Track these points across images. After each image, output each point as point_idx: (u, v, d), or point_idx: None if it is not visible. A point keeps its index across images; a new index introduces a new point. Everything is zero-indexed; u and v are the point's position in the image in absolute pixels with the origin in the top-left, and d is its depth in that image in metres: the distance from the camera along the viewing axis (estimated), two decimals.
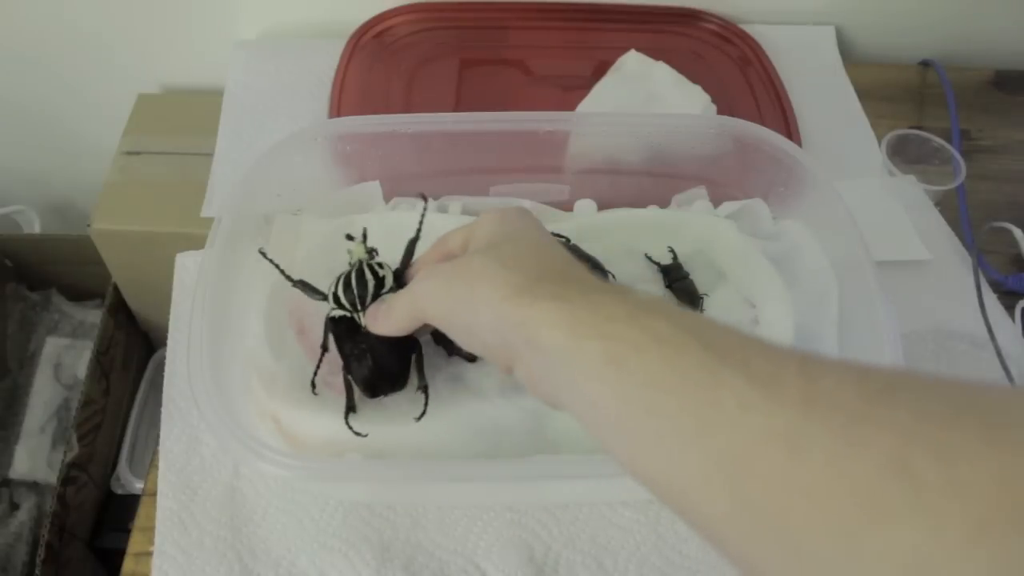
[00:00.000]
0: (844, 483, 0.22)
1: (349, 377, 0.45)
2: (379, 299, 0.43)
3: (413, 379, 0.45)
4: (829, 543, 0.22)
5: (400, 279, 0.45)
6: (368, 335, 0.43)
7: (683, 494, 0.27)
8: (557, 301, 0.32)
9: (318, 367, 0.46)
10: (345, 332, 0.45)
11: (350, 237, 0.46)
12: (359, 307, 0.44)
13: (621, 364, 0.29)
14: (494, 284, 0.34)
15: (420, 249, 0.46)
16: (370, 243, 0.47)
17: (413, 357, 0.45)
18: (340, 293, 0.44)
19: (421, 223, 0.47)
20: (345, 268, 0.45)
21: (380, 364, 0.43)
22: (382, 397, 0.45)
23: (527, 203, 0.56)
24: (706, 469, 0.26)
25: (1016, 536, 0.19)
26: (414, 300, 0.40)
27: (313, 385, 0.46)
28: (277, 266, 0.48)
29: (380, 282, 0.44)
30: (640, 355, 0.28)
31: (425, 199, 0.50)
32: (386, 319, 0.42)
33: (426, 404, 0.44)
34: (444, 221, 0.54)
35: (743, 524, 0.25)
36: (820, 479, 0.22)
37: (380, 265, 0.45)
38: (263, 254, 0.48)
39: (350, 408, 0.44)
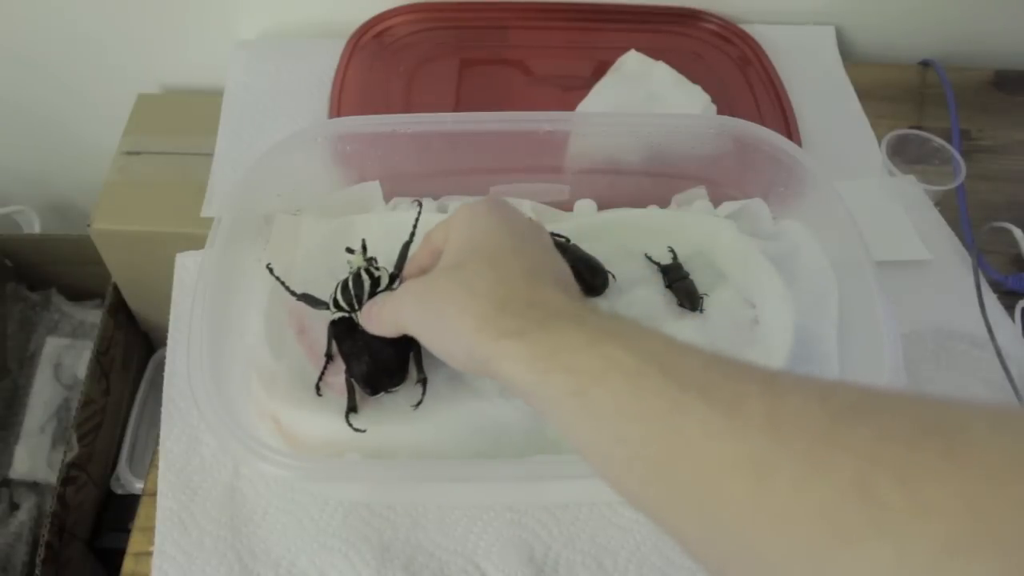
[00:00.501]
0: (810, 506, 0.22)
1: (351, 379, 0.45)
2: (373, 299, 0.44)
3: (412, 374, 0.46)
4: (798, 566, 0.22)
5: (395, 280, 0.46)
6: (366, 333, 0.44)
7: (657, 514, 0.28)
8: (518, 338, 0.32)
9: (322, 373, 0.47)
10: (344, 331, 0.46)
11: (350, 250, 0.48)
12: (356, 307, 0.45)
13: (584, 396, 0.29)
14: (462, 314, 0.34)
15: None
16: (370, 244, 0.48)
17: (411, 354, 0.46)
18: (338, 296, 0.46)
19: (415, 227, 0.48)
20: (345, 275, 0.47)
21: (378, 360, 0.44)
22: (382, 396, 0.45)
23: (527, 203, 0.56)
24: (676, 494, 0.26)
25: (982, 556, 0.19)
26: (396, 313, 0.40)
27: (317, 388, 0.46)
28: (282, 283, 0.49)
29: (376, 282, 0.45)
30: (602, 386, 0.29)
31: (420, 204, 0.50)
32: (377, 322, 0.43)
33: (423, 393, 0.45)
34: None
35: (715, 545, 0.25)
36: (786, 503, 0.22)
37: (376, 268, 0.46)
38: (270, 270, 0.49)
39: (351, 409, 0.45)
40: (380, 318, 0.42)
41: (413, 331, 0.39)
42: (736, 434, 0.24)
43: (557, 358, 0.30)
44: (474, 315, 0.34)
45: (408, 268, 0.46)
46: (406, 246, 0.48)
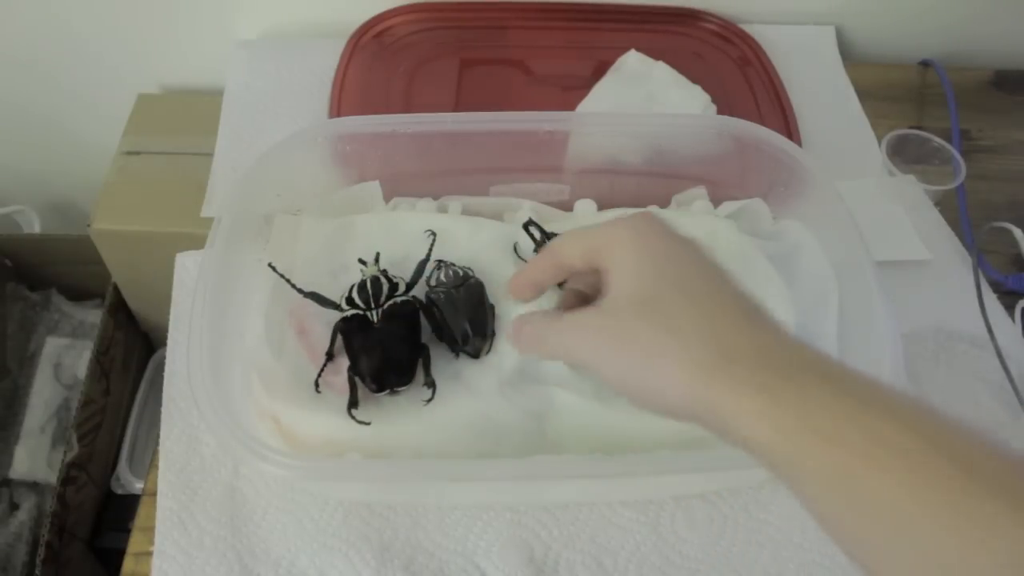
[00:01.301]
0: None
1: (355, 377, 0.45)
2: (520, 318, 0.39)
3: (418, 377, 0.46)
4: None
5: (410, 289, 0.48)
6: (380, 329, 0.46)
7: None
8: (760, 392, 0.28)
9: (322, 369, 0.47)
10: (356, 328, 0.47)
11: (363, 261, 0.49)
12: (372, 305, 0.47)
13: (851, 477, 0.26)
14: (676, 363, 0.31)
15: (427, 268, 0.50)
16: (370, 243, 0.49)
17: (420, 359, 0.46)
18: (355, 295, 0.47)
19: (430, 251, 0.50)
20: (350, 279, 0.48)
21: (390, 358, 0.45)
22: (383, 397, 0.45)
23: (527, 203, 0.57)
24: None
25: None
26: (569, 349, 0.36)
27: (316, 385, 0.46)
28: (288, 281, 0.49)
29: (394, 287, 0.47)
30: (875, 472, 0.26)
31: (433, 235, 0.52)
32: (537, 344, 0.38)
33: (434, 392, 0.45)
34: (444, 221, 0.54)
35: None
36: None
37: (393, 276, 0.48)
38: (273, 268, 0.50)
39: (353, 404, 0.45)
40: (541, 342, 0.37)
41: (599, 371, 0.34)
42: None
43: (809, 421, 0.27)
44: (692, 362, 0.30)
45: (517, 278, 0.41)
46: (422, 263, 0.49)
